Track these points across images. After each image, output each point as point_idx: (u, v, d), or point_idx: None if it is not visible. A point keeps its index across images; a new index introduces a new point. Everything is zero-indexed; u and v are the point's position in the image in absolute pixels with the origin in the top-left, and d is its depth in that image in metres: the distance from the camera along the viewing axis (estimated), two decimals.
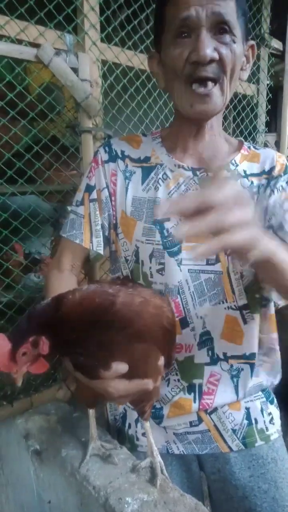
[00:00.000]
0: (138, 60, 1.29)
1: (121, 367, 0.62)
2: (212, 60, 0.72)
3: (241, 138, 0.91)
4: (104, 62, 1.20)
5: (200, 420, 0.91)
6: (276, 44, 1.86)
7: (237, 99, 1.70)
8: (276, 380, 0.97)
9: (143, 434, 0.93)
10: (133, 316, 0.62)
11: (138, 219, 0.85)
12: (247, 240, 0.52)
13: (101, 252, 0.89)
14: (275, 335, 0.94)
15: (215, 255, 0.82)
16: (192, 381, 0.88)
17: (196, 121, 0.82)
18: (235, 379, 0.89)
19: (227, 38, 0.72)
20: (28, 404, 1.13)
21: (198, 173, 0.84)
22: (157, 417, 0.92)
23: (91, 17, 1.15)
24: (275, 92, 1.91)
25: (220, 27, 0.71)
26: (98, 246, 0.88)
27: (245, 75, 0.82)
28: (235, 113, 1.73)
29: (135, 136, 0.94)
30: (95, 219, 0.88)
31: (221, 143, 0.87)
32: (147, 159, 0.88)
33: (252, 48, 0.82)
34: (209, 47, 0.71)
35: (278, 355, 0.95)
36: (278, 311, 0.96)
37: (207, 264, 0.83)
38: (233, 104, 1.69)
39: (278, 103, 1.94)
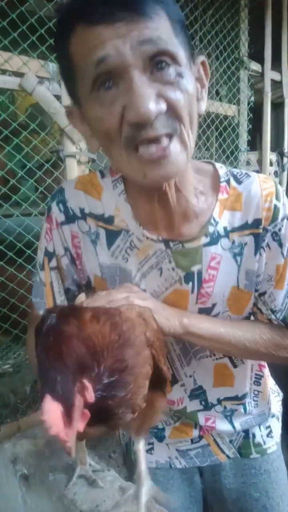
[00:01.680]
0: None
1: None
2: (159, 113, 0.51)
3: (214, 163, 0.73)
4: None
5: (200, 437, 0.91)
6: (255, 66, 1.93)
7: (218, 120, 1.75)
8: (277, 402, 0.97)
9: (147, 451, 0.92)
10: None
11: (113, 286, 0.73)
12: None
13: None
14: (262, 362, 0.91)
15: None
16: (188, 421, 0.88)
17: (155, 189, 0.63)
18: (228, 417, 0.88)
19: (171, 73, 0.52)
20: (15, 428, 1.13)
21: (171, 244, 0.69)
22: (159, 437, 0.92)
23: None
24: (255, 111, 1.97)
25: (156, 61, 0.51)
26: None
27: (203, 105, 0.60)
28: (217, 133, 1.78)
29: (94, 179, 0.73)
30: (59, 289, 0.76)
31: (193, 200, 0.68)
32: (110, 219, 0.71)
33: (204, 66, 0.61)
34: (150, 98, 0.50)
35: (268, 382, 0.93)
36: None
37: None
38: (214, 125, 1.74)
39: (259, 122, 2.00)
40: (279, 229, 0.68)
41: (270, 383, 0.95)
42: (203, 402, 0.86)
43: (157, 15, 0.50)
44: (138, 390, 0.57)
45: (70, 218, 0.72)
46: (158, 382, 0.66)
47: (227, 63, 1.77)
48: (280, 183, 2.10)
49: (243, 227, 0.69)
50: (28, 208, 1.17)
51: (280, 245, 0.69)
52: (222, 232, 0.69)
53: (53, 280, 0.75)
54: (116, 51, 0.49)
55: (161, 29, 0.50)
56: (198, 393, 0.85)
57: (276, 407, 0.97)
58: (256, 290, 0.73)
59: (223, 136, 1.80)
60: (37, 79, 1.10)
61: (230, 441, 0.92)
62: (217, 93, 1.82)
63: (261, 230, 0.68)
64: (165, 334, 0.66)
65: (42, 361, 0.50)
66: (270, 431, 0.95)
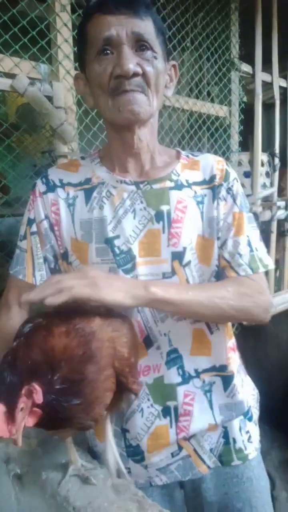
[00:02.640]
0: None
1: None
2: (135, 74, 0.74)
3: (178, 148, 0.92)
4: None
5: (180, 448, 0.88)
6: (245, 68, 1.95)
7: (210, 120, 1.77)
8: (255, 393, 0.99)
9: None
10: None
11: (89, 241, 0.83)
12: (85, 293, 0.65)
13: None
14: (229, 343, 0.92)
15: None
16: (166, 404, 0.86)
17: (126, 128, 0.80)
18: (208, 394, 0.87)
19: (149, 54, 0.76)
20: None
21: (141, 186, 0.83)
22: (137, 454, 0.88)
23: (64, 48, 1.20)
24: (247, 112, 1.99)
25: (140, 44, 0.75)
26: (41, 280, 0.86)
27: (170, 92, 0.85)
28: (208, 134, 1.80)
29: (74, 160, 0.93)
30: (37, 252, 0.87)
31: (159, 155, 0.87)
32: (87, 181, 0.87)
33: (174, 68, 0.85)
34: (131, 62, 0.73)
35: (245, 377, 0.97)
36: (262, 329, 0.99)
37: (163, 277, 0.82)
38: (206, 125, 1.76)
39: (250, 123, 2.02)
40: (232, 186, 0.86)
41: (247, 379, 0.97)
42: (180, 371, 0.85)
43: (147, 18, 0.76)
44: (96, 400, 0.64)
45: (51, 187, 0.87)
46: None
47: (218, 65, 1.79)
48: (272, 183, 2.12)
49: (202, 182, 0.86)
50: (20, 208, 1.17)
51: (234, 199, 0.85)
52: (185, 183, 0.85)
53: (33, 244, 0.86)
54: (117, 33, 0.74)
55: (147, 28, 0.76)
56: (174, 357, 0.85)
57: (254, 404, 0.98)
58: (218, 238, 0.85)
59: (214, 137, 1.82)
60: (29, 80, 1.11)
61: (211, 450, 0.90)
62: (209, 94, 1.84)
63: (216, 183, 0.85)
64: (131, 305, 0.72)
65: (1, 362, 0.59)
66: (250, 436, 0.94)
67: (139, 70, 0.75)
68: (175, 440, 0.87)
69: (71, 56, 1.22)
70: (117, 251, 0.81)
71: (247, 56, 1.97)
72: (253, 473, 0.94)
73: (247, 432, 0.94)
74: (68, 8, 1.21)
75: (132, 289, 0.71)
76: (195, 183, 0.86)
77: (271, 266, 0.87)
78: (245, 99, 1.92)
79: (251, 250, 0.84)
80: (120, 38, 0.73)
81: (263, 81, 2.02)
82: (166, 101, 1.53)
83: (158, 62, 0.77)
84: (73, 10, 1.23)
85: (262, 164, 2.05)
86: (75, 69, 1.24)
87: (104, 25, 0.74)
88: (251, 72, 1.99)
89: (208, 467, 0.91)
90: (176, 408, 0.86)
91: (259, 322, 0.86)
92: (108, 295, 0.67)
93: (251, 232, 0.85)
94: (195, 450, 0.90)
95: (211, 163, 0.87)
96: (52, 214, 0.86)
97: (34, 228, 0.86)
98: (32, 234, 0.86)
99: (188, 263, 0.82)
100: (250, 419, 0.95)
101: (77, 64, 1.23)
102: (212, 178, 0.86)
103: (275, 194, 2.13)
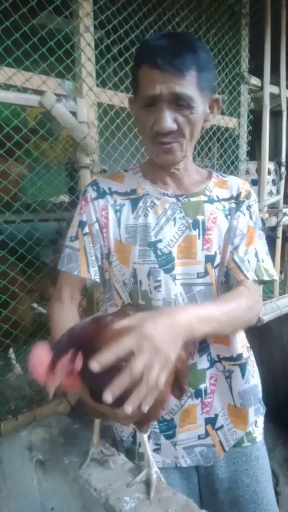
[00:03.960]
0: None
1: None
2: (171, 131, 0.85)
3: (209, 169, 1.07)
4: (99, 105, 1.34)
5: (207, 434, 1.01)
6: (254, 81, 2.03)
7: (220, 132, 1.86)
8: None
9: (154, 450, 1.02)
10: None
11: (133, 244, 0.96)
12: (164, 374, 0.68)
13: (98, 280, 0.99)
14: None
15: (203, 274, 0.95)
16: (198, 387, 0.99)
17: (165, 165, 0.96)
18: (228, 380, 1.01)
19: (186, 111, 0.85)
20: (31, 418, 1.22)
21: (180, 198, 0.98)
22: (170, 429, 1.00)
23: (87, 67, 1.29)
24: (254, 120, 2.07)
25: (179, 103, 0.84)
26: (95, 275, 0.97)
27: (208, 124, 0.95)
28: (218, 145, 1.88)
29: (118, 173, 1.06)
30: (90, 250, 0.97)
31: (194, 175, 1.02)
32: (133, 191, 1.00)
33: (217, 102, 0.94)
34: (168, 121, 0.84)
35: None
36: (267, 330, 1.09)
37: (197, 277, 0.95)
38: (216, 136, 1.84)
39: (258, 131, 2.10)
40: (251, 204, 1.02)
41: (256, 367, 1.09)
42: (208, 358, 0.98)
43: (190, 74, 0.83)
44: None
45: (101, 194, 0.99)
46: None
47: (228, 78, 1.87)
48: (278, 191, 2.20)
49: (230, 198, 1.01)
50: (45, 214, 1.26)
51: (251, 215, 1.01)
52: (215, 198, 1.00)
53: (86, 244, 0.97)
54: (160, 92, 0.83)
55: (188, 85, 0.83)
56: (204, 346, 0.97)
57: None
58: (231, 243, 0.98)
59: (224, 147, 1.91)
60: (55, 97, 1.19)
61: (233, 444, 1.03)
62: None
63: (240, 200, 1.01)
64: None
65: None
66: (256, 421, 1.08)
67: (174, 127, 0.85)
68: (202, 420, 0.99)
69: (93, 74, 1.31)
70: (159, 253, 0.94)
71: (256, 68, 2.05)
72: (259, 452, 1.07)
73: (259, 415, 1.08)
74: (91, 29, 1.30)
75: (178, 334, 0.74)
76: (224, 199, 1.01)
77: (276, 277, 0.99)
78: (252, 106, 2.00)
79: (258, 261, 0.97)
80: (162, 96, 0.83)
81: (271, 93, 2.10)
82: None
83: (195, 114, 0.86)
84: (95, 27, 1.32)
85: (269, 173, 2.13)
86: (97, 85, 1.33)
87: (151, 81, 0.83)
88: (259, 84, 2.07)
89: (224, 450, 1.04)
90: (206, 389, 0.99)
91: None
92: (173, 356, 0.71)
93: (259, 246, 0.99)
94: (220, 442, 1.02)
95: (237, 183, 1.03)
96: (102, 218, 0.98)
97: (86, 229, 0.98)
98: (84, 235, 0.98)
99: (218, 265, 0.97)
100: (261, 403, 1.09)
101: (99, 81, 1.34)
102: (238, 195, 1.01)
103: (281, 201, 2.22)
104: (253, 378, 1.06)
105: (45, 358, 0.63)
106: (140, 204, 0.98)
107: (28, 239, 1.26)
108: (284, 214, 2.22)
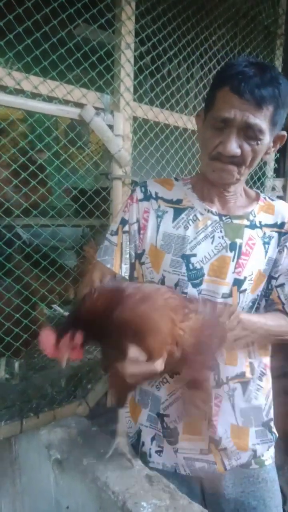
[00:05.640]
0: (163, 116, 1.48)
1: (132, 351, 0.75)
2: (234, 156, 0.87)
3: (258, 191, 1.06)
4: (134, 119, 1.39)
5: (209, 450, 1.01)
6: None
7: None
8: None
9: (156, 452, 1.04)
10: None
11: (167, 252, 0.98)
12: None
13: (127, 277, 1.03)
14: (265, 360, 1.06)
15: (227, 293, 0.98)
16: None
17: (216, 183, 0.97)
18: (231, 399, 1.01)
19: (252, 141, 0.87)
20: (51, 417, 1.26)
21: (223, 218, 0.99)
22: (172, 436, 1.01)
23: (126, 82, 1.34)
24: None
25: (247, 132, 0.86)
26: (125, 272, 1.02)
27: (268, 157, 0.97)
28: None
29: (169, 179, 1.08)
30: (126, 248, 1.02)
31: (242, 198, 1.03)
32: (179, 201, 1.02)
33: (281, 139, 0.95)
34: (233, 145, 0.86)
35: (269, 380, 1.07)
36: None
37: (221, 297, 0.97)
38: None
39: (285, 150, 2.12)
40: None
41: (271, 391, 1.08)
42: (216, 377, 0.99)
43: (267, 108, 0.85)
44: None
45: (147, 197, 1.03)
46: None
47: None
48: None
49: (273, 225, 1.02)
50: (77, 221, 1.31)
51: None
52: (258, 224, 1.01)
53: (123, 241, 1.02)
54: (234, 117, 0.85)
55: (262, 118, 0.85)
56: (213, 364, 0.98)
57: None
58: (274, 278, 1.01)
59: None
60: (95, 110, 1.24)
61: (237, 465, 1.02)
62: None
63: (283, 230, 1.01)
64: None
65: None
66: (267, 446, 1.05)
67: (238, 152, 0.87)
68: (207, 436, 1.00)
69: (131, 89, 1.36)
70: (191, 267, 0.97)
71: None
72: (268, 475, 1.05)
73: (265, 442, 1.05)
74: (132, 46, 1.35)
75: None
76: (267, 225, 1.01)
77: None
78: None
79: None
80: (234, 122, 0.85)
81: None
82: None
83: (260, 146, 0.88)
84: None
85: None
86: (134, 100, 1.38)
87: (228, 104, 0.85)
88: None
89: (225, 469, 1.02)
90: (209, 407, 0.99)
91: None
92: None
93: None
94: (222, 461, 1.01)
95: (285, 210, 1.04)
96: (142, 220, 1.01)
97: (126, 228, 1.02)
98: (124, 232, 1.02)
99: (244, 290, 0.98)
100: (269, 430, 1.06)
101: (136, 96, 1.38)
102: (282, 224, 1.02)
103: None
104: (256, 400, 1.03)
105: (51, 339, 0.78)
106: (183, 215, 1.00)
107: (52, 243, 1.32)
108: None
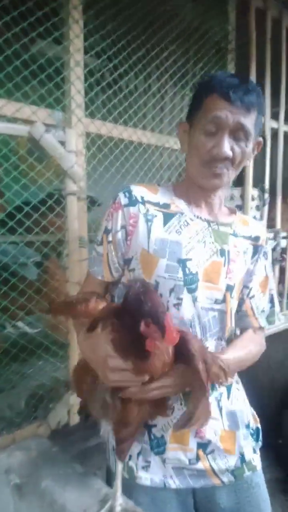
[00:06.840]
0: (117, 131, 1.49)
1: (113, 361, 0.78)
2: (227, 158, 0.93)
3: (233, 206, 1.15)
4: (87, 134, 1.40)
5: (197, 458, 0.99)
6: None
7: None
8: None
9: (143, 468, 1.00)
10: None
11: (162, 257, 0.96)
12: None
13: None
14: None
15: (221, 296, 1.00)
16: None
17: (206, 190, 1.02)
18: (219, 403, 1.01)
19: (242, 142, 0.94)
20: (10, 440, 1.23)
21: (211, 224, 1.03)
22: (160, 445, 0.99)
23: (77, 99, 1.35)
24: None
25: (238, 134, 0.92)
26: (118, 277, 1.04)
27: (248, 162, 1.04)
28: None
29: (152, 184, 1.10)
30: (113, 259, 1.02)
31: (223, 205, 1.09)
32: (166, 205, 1.02)
33: (259, 144, 1.03)
34: (227, 148, 0.92)
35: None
36: None
37: (215, 303, 0.98)
38: None
39: None
40: (267, 251, 1.11)
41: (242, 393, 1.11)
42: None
43: (252, 113, 0.93)
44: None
45: (133, 202, 1.01)
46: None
47: None
48: (261, 216, 2.27)
49: (249, 238, 1.08)
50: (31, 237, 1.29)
51: (266, 264, 1.10)
52: (239, 233, 1.07)
53: (109, 252, 1.02)
54: (225, 117, 0.90)
55: (250, 121, 0.93)
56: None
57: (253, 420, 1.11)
58: (246, 287, 1.07)
59: None
60: (45, 127, 1.24)
61: (226, 469, 1.01)
62: None
63: (258, 244, 1.09)
64: None
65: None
66: (254, 449, 1.08)
67: (230, 154, 0.93)
68: (195, 443, 0.99)
69: (83, 106, 1.36)
70: (187, 271, 0.96)
71: None
72: (260, 479, 1.07)
73: (251, 444, 1.07)
74: (82, 63, 1.36)
75: None
76: (244, 237, 1.08)
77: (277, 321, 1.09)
78: None
79: (272, 306, 1.10)
80: (226, 123, 0.90)
81: None
82: (169, 143, 1.69)
83: (248, 148, 0.95)
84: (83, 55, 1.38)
85: (253, 199, 2.20)
86: (86, 116, 1.39)
87: (219, 106, 0.91)
88: None
89: (223, 482, 1.02)
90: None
91: None
92: None
93: (272, 291, 1.12)
94: (211, 466, 1.00)
95: (258, 225, 1.14)
96: (129, 226, 1.00)
97: (110, 237, 1.01)
98: (108, 242, 1.02)
99: (234, 296, 1.02)
100: (257, 439, 1.10)
101: (88, 112, 1.39)
102: (257, 238, 1.09)
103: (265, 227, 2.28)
104: (238, 402, 1.05)
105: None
106: (173, 221, 1.00)
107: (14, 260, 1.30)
108: (268, 238, 2.29)
